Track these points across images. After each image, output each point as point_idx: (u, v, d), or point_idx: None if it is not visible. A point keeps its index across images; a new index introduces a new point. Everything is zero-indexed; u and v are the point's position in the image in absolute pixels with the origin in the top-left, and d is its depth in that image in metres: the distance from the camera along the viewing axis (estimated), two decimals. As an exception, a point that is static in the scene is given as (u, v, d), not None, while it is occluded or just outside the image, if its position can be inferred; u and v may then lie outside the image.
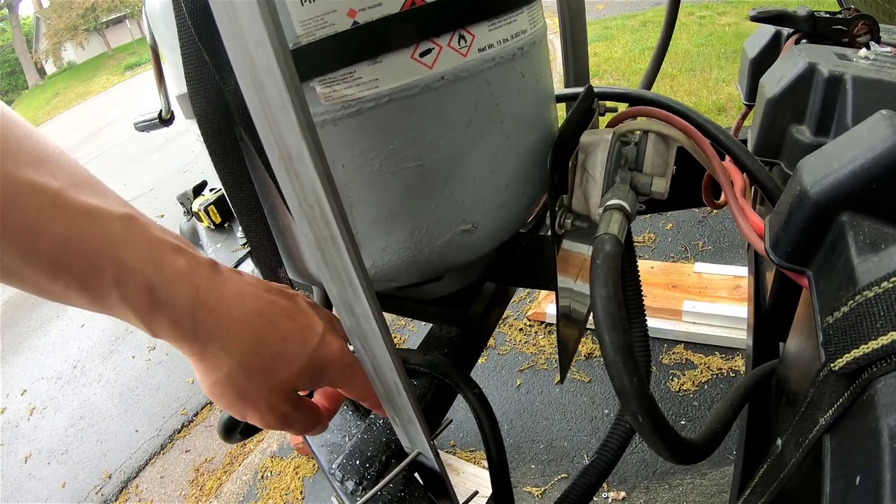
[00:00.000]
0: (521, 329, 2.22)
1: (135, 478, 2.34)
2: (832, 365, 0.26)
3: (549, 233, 0.70)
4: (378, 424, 0.56)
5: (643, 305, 0.63)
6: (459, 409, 2.00)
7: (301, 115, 0.28)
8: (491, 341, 2.22)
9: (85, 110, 14.68)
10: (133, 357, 3.14)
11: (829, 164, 0.34)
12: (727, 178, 0.48)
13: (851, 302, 0.27)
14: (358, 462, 0.54)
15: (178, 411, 2.61)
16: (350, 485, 0.52)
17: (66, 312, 3.86)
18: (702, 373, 1.72)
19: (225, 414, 0.62)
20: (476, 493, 0.65)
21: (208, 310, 0.36)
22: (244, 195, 0.49)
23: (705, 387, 1.68)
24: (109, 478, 2.36)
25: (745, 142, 0.69)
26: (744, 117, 0.82)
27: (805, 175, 0.35)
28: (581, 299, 0.66)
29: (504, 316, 2.30)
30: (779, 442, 0.37)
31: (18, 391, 3.19)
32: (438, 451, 0.56)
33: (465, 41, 0.42)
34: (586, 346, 1.99)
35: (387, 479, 0.49)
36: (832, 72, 0.52)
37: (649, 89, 0.89)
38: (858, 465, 0.25)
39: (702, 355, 1.77)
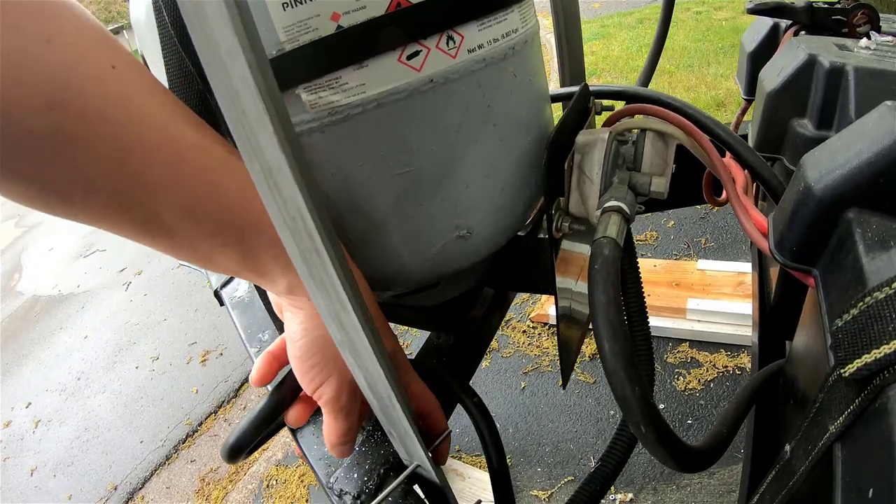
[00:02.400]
0: (524, 331, 2.21)
1: (140, 489, 2.33)
2: (842, 371, 0.25)
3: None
4: (376, 436, 0.54)
5: (645, 308, 0.61)
6: (464, 414, 1.98)
7: (279, 126, 0.26)
8: (494, 344, 2.20)
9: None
10: (137, 367, 3.13)
11: (833, 159, 0.32)
12: (728, 176, 0.46)
13: (861, 304, 0.25)
14: (356, 475, 0.52)
15: (182, 421, 2.60)
16: (348, 499, 0.51)
17: (69, 324, 3.85)
18: (707, 371, 1.71)
19: (232, 435, 0.60)
20: (479, 501, 0.64)
21: None
22: None
23: (711, 385, 1.67)
24: (115, 489, 2.35)
25: (745, 137, 0.67)
26: (744, 112, 0.80)
27: (809, 171, 0.34)
28: (582, 300, 0.65)
29: (507, 318, 2.29)
30: (787, 448, 0.36)
31: (23, 404, 3.18)
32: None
33: (454, 42, 0.41)
34: (590, 346, 1.97)
35: (384, 493, 0.48)
36: (833, 63, 0.51)
37: (646, 86, 0.88)
38: (871, 475, 0.24)
39: (707, 353, 1.76)
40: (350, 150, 0.42)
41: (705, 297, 1.86)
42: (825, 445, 0.28)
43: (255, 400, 2.21)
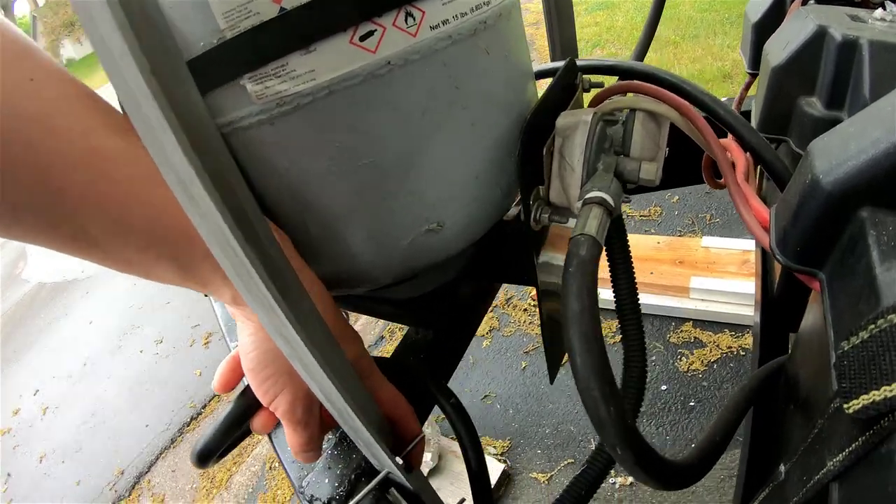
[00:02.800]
0: (525, 309, 2.18)
1: (147, 473, 2.35)
2: (845, 406, 0.21)
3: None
4: (348, 440, 0.52)
5: (638, 302, 0.58)
6: (465, 395, 1.97)
7: (182, 135, 0.23)
8: (495, 322, 2.18)
9: (85, 104, 14.62)
10: (141, 352, 3.14)
11: (845, 148, 0.28)
12: (727, 160, 0.42)
13: (872, 327, 0.21)
14: (327, 480, 0.51)
15: (186, 404, 2.61)
16: None
17: (74, 310, 3.87)
18: (711, 351, 1.67)
19: (199, 441, 0.59)
20: (463, 500, 0.61)
21: None
22: None
23: (715, 366, 1.63)
24: (122, 474, 2.37)
25: (749, 114, 0.63)
26: (748, 87, 0.75)
27: (817, 160, 0.29)
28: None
29: (508, 296, 2.26)
30: (782, 468, 0.32)
31: (31, 391, 3.21)
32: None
33: (414, 19, 0.36)
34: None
35: (353, 501, 0.46)
36: (846, 36, 0.45)
37: (642, 60, 0.82)
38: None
39: (710, 333, 1.72)
40: (303, 142, 0.39)
41: (709, 276, 1.82)
42: (821, 482, 0.24)
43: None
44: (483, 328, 2.14)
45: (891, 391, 0.19)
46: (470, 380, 1.97)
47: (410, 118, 0.39)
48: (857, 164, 0.27)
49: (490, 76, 0.42)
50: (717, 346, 1.68)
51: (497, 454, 1.69)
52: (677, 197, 2.41)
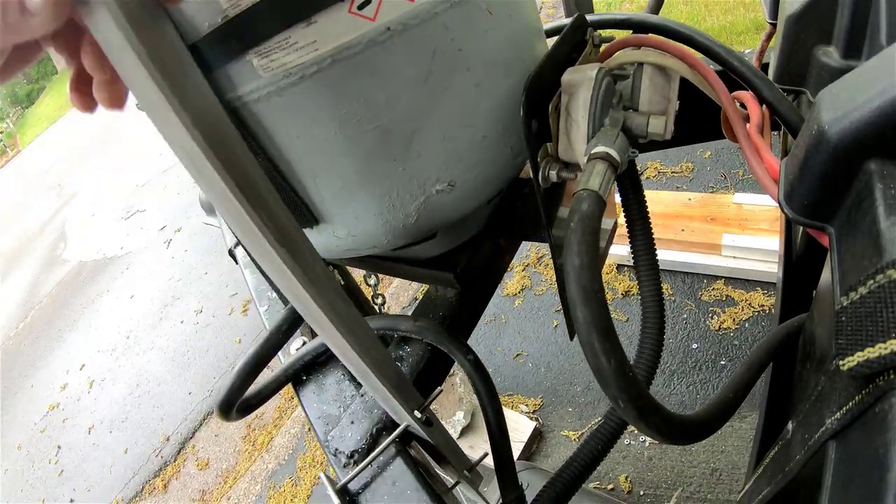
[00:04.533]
0: (555, 270, 2.16)
1: (191, 438, 2.46)
2: (840, 363, 0.21)
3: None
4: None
5: (655, 254, 0.57)
6: (497, 354, 2.00)
7: (184, 113, 0.24)
8: (527, 282, 2.17)
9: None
10: (182, 322, 3.24)
11: (854, 97, 0.27)
12: (737, 112, 0.41)
13: (871, 282, 0.21)
14: (350, 434, 0.53)
15: (227, 370, 2.70)
16: (342, 458, 0.52)
17: (115, 286, 4.00)
18: (742, 310, 1.64)
19: (222, 391, 0.62)
20: (486, 454, 0.63)
21: None
22: None
23: (746, 325, 1.61)
24: (167, 440, 2.49)
25: (769, 67, 0.60)
26: (769, 38, 0.71)
27: (824, 111, 0.28)
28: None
29: (539, 255, 2.24)
30: (789, 426, 0.32)
31: (77, 366, 3.35)
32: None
33: (412, -17, 0.36)
34: (623, 283, 1.91)
35: (372, 455, 0.48)
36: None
37: (657, 12, 0.79)
38: (860, 491, 0.20)
39: (742, 291, 1.69)
40: (311, 111, 0.40)
41: (741, 233, 1.77)
42: (820, 441, 0.24)
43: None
44: (515, 287, 2.14)
45: (886, 349, 0.19)
46: (502, 339, 1.99)
47: (414, 82, 0.39)
48: (863, 114, 0.26)
49: (494, 36, 0.41)
50: (749, 304, 1.65)
51: (529, 412, 1.72)
52: (709, 152, 2.33)
